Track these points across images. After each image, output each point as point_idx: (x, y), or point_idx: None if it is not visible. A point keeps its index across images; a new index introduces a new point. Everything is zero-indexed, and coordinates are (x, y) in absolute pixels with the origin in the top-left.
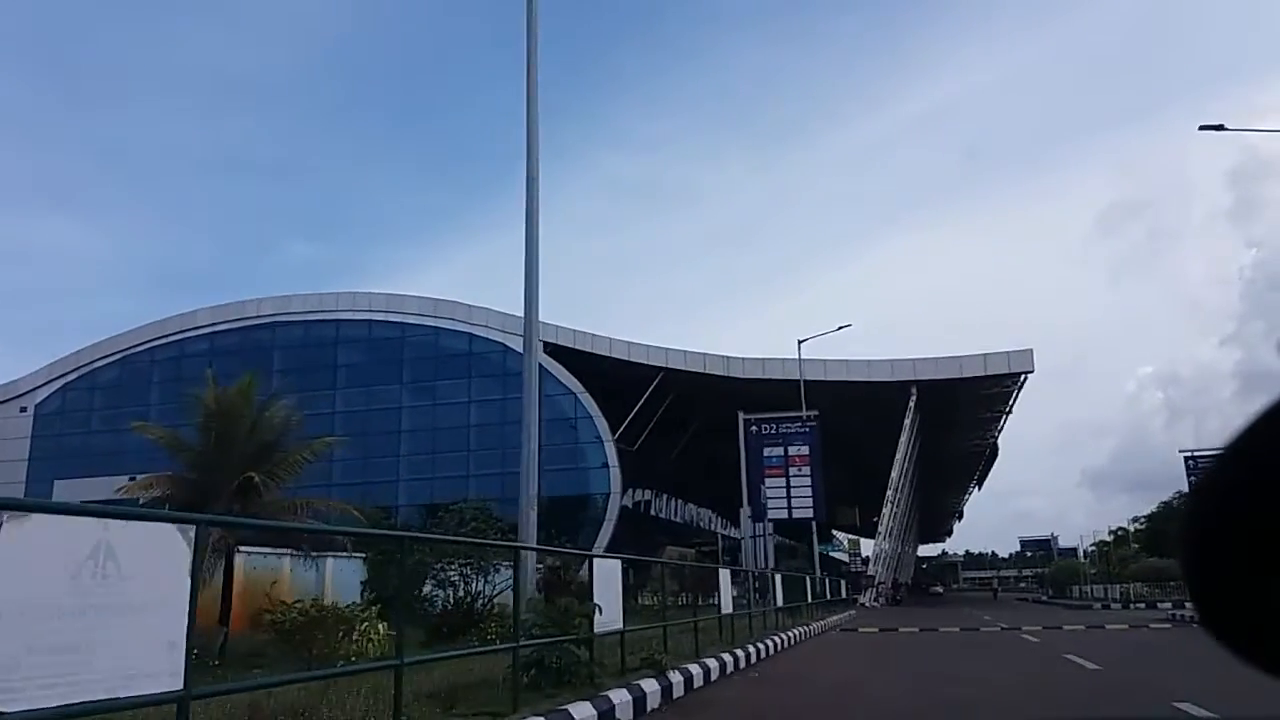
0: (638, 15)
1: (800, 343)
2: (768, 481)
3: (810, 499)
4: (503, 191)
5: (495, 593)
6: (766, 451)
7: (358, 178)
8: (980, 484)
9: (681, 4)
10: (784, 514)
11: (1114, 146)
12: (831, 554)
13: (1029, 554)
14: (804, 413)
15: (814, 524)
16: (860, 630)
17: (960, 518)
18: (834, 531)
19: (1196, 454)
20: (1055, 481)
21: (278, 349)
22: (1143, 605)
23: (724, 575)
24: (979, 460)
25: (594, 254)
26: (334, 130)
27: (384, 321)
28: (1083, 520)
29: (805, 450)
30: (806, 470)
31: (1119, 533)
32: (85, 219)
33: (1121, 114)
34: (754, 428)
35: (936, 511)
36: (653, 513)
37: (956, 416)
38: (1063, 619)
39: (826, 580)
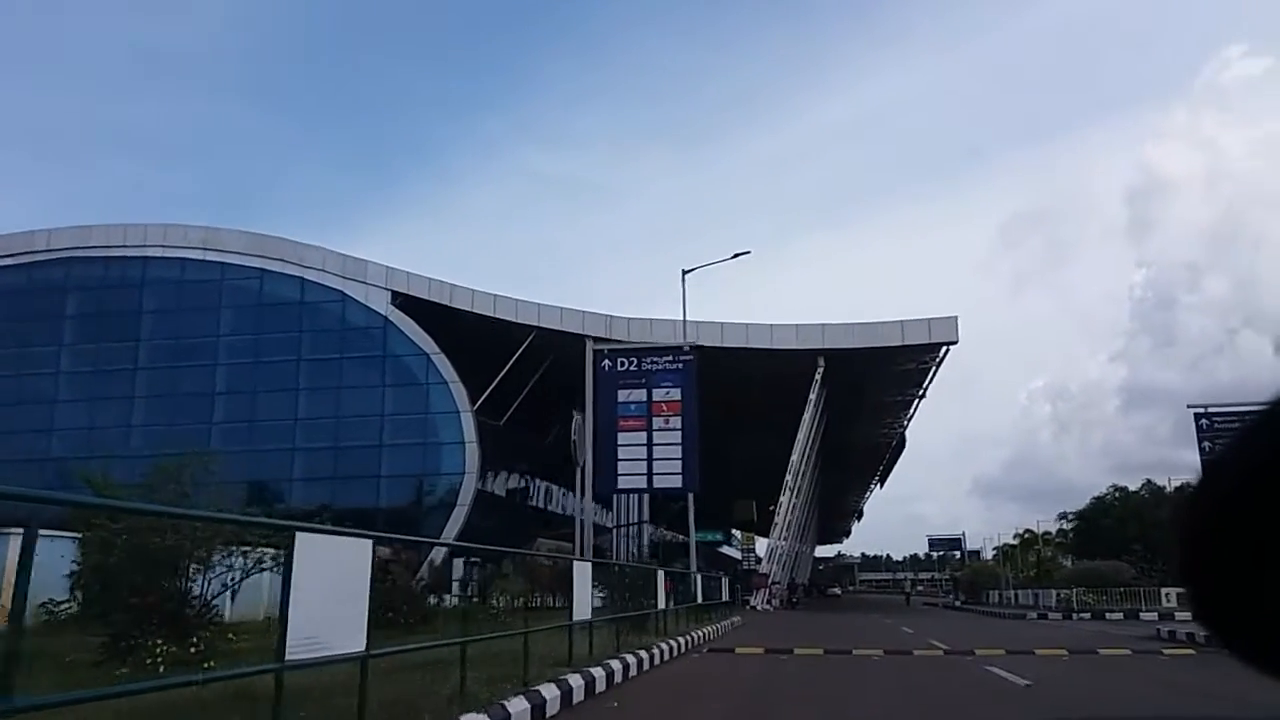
0: (565, 17)
1: (685, 273)
2: (622, 439)
3: (680, 464)
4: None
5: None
6: (622, 395)
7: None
8: (884, 480)
9: (609, 6)
10: (641, 483)
11: (1020, 158)
12: (721, 550)
13: (934, 555)
14: (679, 344)
15: (690, 504)
16: (739, 651)
17: (860, 517)
18: (733, 531)
19: (1210, 410)
20: (948, 489)
21: (72, 290)
22: (1087, 615)
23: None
24: (885, 452)
25: (513, 246)
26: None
27: (200, 260)
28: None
29: (676, 395)
30: (677, 424)
31: (1025, 535)
32: None
33: (1028, 128)
34: (607, 362)
35: (837, 510)
36: (530, 500)
37: (865, 399)
38: (1020, 637)
39: (698, 578)
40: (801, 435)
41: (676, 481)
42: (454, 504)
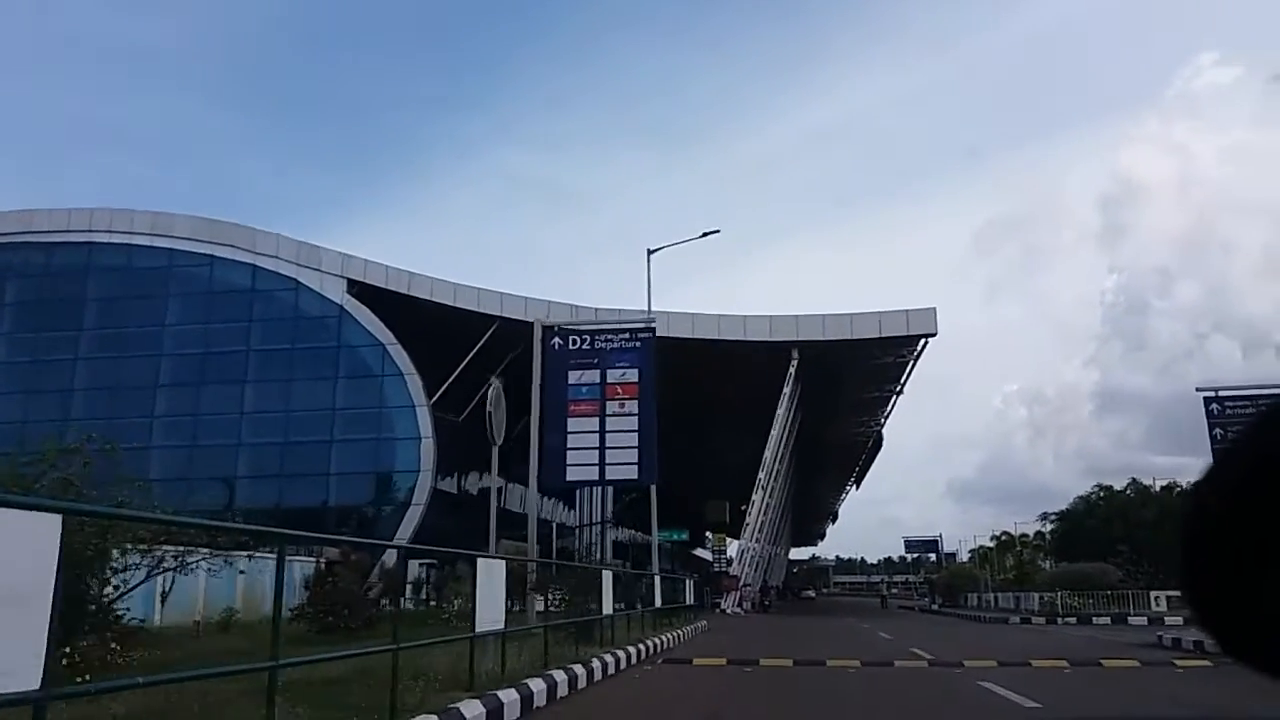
0: (543, 16)
1: (651, 252)
2: (572, 425)
3: (636, 453)
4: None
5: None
6: (573, 377)
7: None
8: (859, 481)
9: (588, 7)
10: (593, 474)
11: (995, 166)
12: (695, 552)
13: (910, 558)
14: (638, 320)
15: (653, 499)
16: (696, 663)
17: (835, 520)
18: (707, 533)
19: (1221, 394)
20: (923, 492)
21: (13, 277)
22: (1073, 619)
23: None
24: (862, 452)
25: (491, 246)
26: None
27: (148, 247)
28: (949, 529)
29: (633, 376)
30: (634, 409)
31: (1003, 537)
32: None
33: (1002, 135)
34: (557, 340)
35: (812, 512)
36: (503, 502)
37: (842, 396)
38: (1009, 645)
39: (657, 580)
40: (775, 432)
41: (632, 472)
42: (409, 503)
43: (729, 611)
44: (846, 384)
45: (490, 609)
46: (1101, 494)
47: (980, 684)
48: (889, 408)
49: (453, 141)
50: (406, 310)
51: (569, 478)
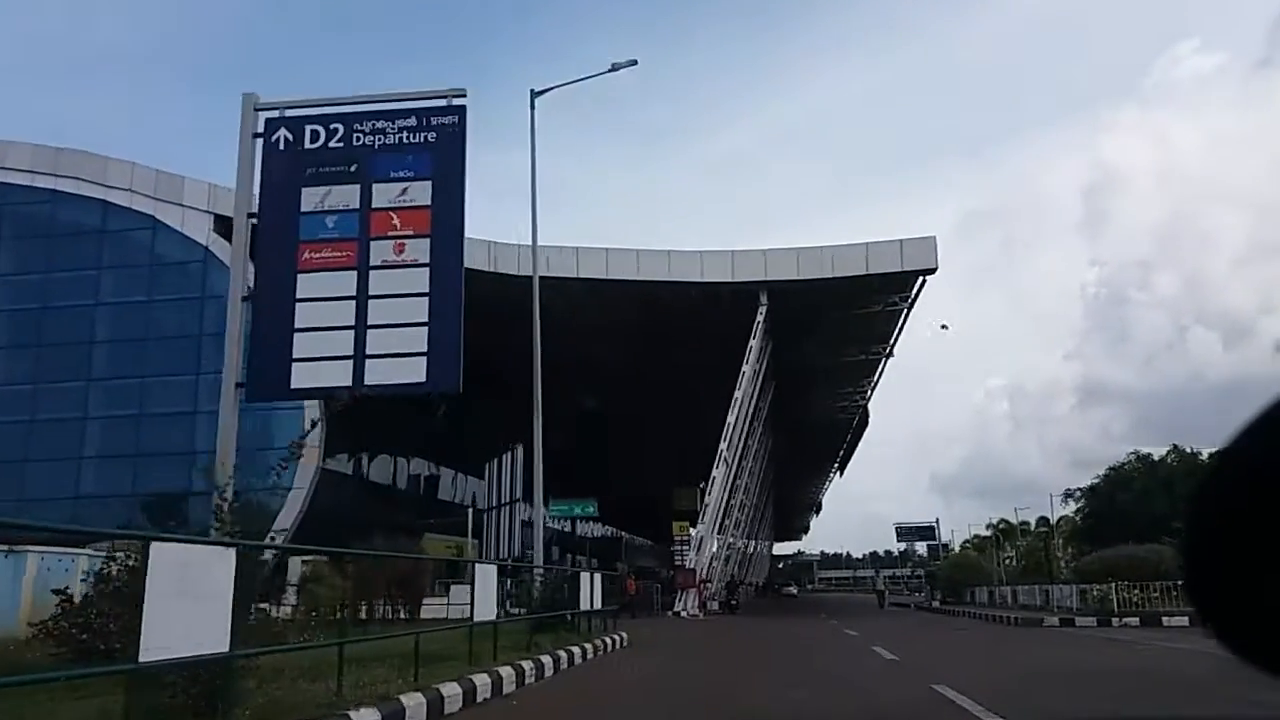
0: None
1: (535, 94)
2: (305, 286)
3: (424, 334)
4: None
5: None
6: (310, 198)
7: None
8: (844, 466)
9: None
10: (343, 373)
11: (976, 158)
12: (674, 549)
13: (899, 549)
14: (432, 93)
15: (536, 450)
16: None
17: (818, 511)
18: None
19: None
20: (906, 487)
21: None
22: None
23: None
24: (845, 431)
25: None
26: None
27: None
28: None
29: (423, 197)
30: (423, 253)
31: (1001, 526)
32: None
33: (984, 127)
34: (284, 133)
35: (794, 504)
36: (413, 486)
37: (821, 359)
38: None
39: (536, 576)
40: (740, 392)
41: (417, 371)
42: (289, 487)
43: (684, 614)
44: (827, 343)
45: None
46: (1138, 464)
47: None
48: (876, 375)
49: None
50: None
51: (296, 383)
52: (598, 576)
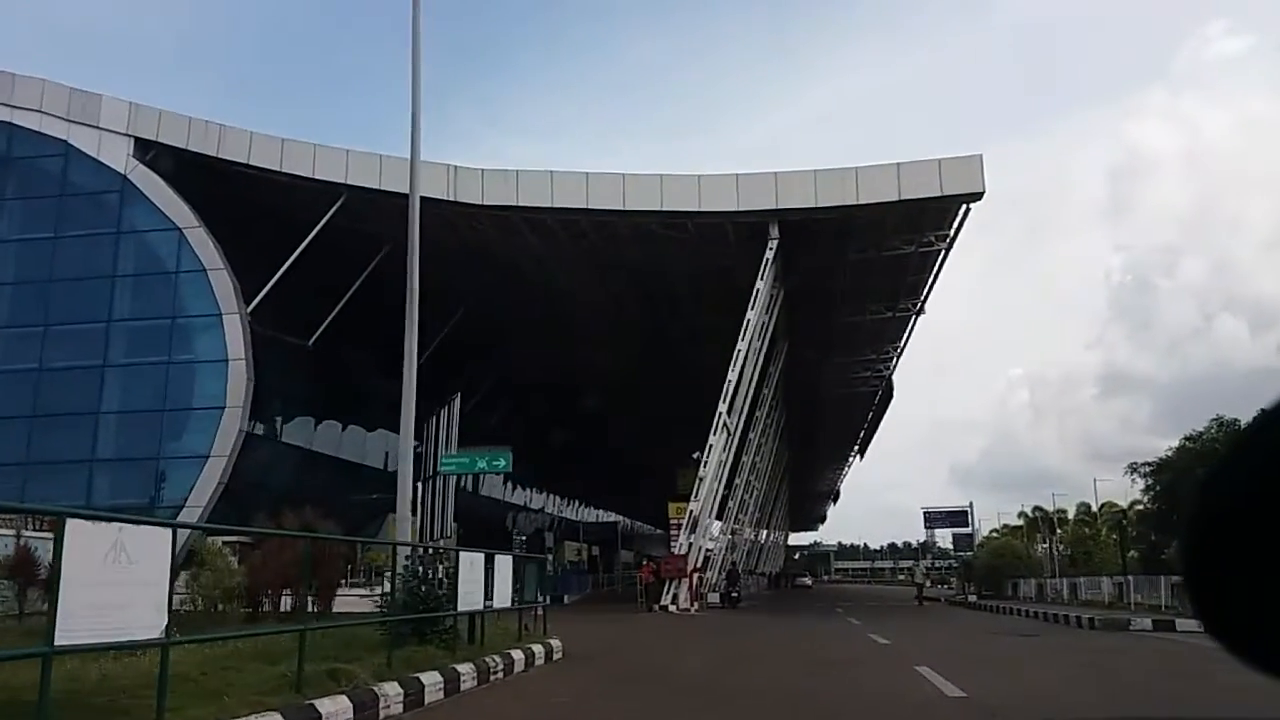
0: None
1: None
2: None
3: None
4: None
5: None
6: None
7: None
8: (864, 448)
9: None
10: None
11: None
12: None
13: (921, 538)
14: None
15: (407, 401)
16: None
17: (836, 499)
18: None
19: None
20: (924, 479)
21: None
22: None
23: None
24: (867, 408)
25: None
26: None
27: None
28: None
29: None
30: None
31: (1034, 514)
32: None
33: (1008, 111)
34: None
35: (810, 490)
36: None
37: (841, 312)
38: None
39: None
40: (745, 344)
41: None
42: (205, 455)
43: (674, 610)
44: (849, 295)
45: None
46: (1218, 432)
47: None
48: (904, 338)
49: (444, 127)
50: (218, 182)
51: None
52: (506, 559)
